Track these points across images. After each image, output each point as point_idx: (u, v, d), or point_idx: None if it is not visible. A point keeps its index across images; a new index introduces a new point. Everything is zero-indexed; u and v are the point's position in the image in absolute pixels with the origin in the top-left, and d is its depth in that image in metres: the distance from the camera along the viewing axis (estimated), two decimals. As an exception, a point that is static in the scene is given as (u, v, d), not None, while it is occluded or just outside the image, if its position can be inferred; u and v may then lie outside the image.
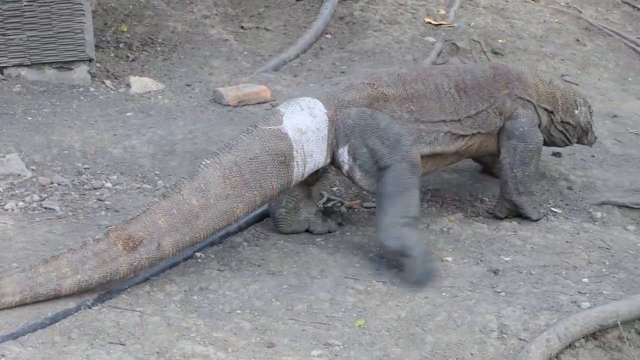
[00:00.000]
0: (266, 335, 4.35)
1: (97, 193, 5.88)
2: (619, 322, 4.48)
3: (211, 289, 4.78)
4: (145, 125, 6.93)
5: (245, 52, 9.09)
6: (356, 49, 9.31)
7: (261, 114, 7.22)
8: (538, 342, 4.21)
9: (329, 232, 5.52)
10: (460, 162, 6.24)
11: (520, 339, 4.35)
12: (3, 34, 7.69)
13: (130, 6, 9.44)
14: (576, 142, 6.44)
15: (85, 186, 5.96)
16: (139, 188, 6.00)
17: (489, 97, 5.72)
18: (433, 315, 4.57)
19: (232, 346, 4.22)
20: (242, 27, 9.69)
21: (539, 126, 5.93)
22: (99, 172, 6.17)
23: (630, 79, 9.39)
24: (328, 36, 9.65)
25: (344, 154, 5.18)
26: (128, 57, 8.68)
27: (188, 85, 8.10)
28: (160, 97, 7.74)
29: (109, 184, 6.01)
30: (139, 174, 6.19)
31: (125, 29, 9.08)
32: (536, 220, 5.84)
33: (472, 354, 4.26)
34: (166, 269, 4.89)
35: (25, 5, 7.69)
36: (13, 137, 6.55)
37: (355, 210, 5.94)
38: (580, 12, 10.89)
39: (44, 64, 7.85)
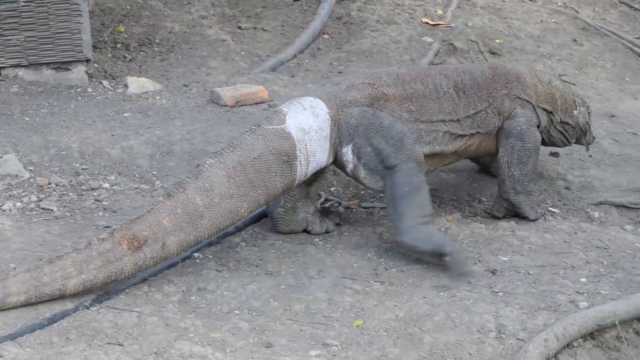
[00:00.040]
0: (264, 336, 4.35)
1: (95, 193, 5.88)
2: (617, 322, 4.48)
3: (209, 289, 4.77)
4: (143, 126, 6.93)
5: (243, 53, 9.09)
6: (353, 49, 9.32)
7: (259, 114, 7.23)
8: (536, 342, 4.21)
9: (327, 232, 5.52)
10: (458, 162, 6.25)
11: (518, 338, 4.35)
12: (0, 35, 7.69)
13: (128, 6, 9.44)
14: (574, 143, 6.45)
15: (83, 187, 5.96)
16: (136, 188, 6.00)
17: (487, 97, 5.73)
18: (431, 315, 4.57)
19: (230, 346, 4.22)
20: (239, 28, 9.69)
21: (538, 126, 5.94)
22: (96, 172, 6.17)
23: (627, 78, 9.40)
24: (325, 36, 9.65)
25: (347, 153, 5.20)
26: (125, 57, 8.67)
27: (185, 86, 8.10)
28: (157, 97, 7.74)
29: (106, 185, 6.00)
30: (137, 175, 6.19)
31: (122, 30, 9.08)
32: (534, 220, 5.84)
33: (470, 354, 4.26)
34: (164, 270, 4.89)
35: (23, 6, 7.69)
36: (11, 137, 6.55)
37: (353, 210, 5.94)
38: (577, 12, 10.91)
39: (42, 64, 7.84)
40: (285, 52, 9.13)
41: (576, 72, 9.36)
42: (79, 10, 7.82)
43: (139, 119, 7.12)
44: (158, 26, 9.25)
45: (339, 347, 4.29)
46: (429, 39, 9.56)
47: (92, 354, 4.05)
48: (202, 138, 6.69)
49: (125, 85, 7.91)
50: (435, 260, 5.09)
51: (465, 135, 5.66)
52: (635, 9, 11.25)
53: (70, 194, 5.84)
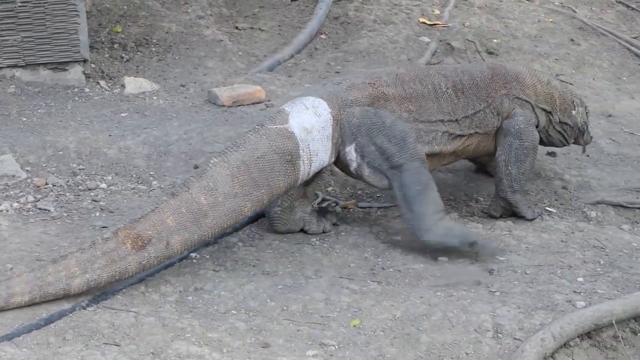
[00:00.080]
0: (261, 336, 4.35)
1: (92, 194, 5.88)
2: (613, 321, 4.48)
3: (206, 289, 4.77)
4: (140, 126, 6.93)
5: (240, 53, 9.09)
6: (351, 49, 9.32)
7: (256, 114, 7.24)
8: (533, 342, 4.21)
9: (324, 232, 5.52)
10: (456, 162, 6.24)
11: (515, 338, 4.35)
12: (-3, 35, 7.70)
13: (125, 7, 9.43)
14: (572, 143, 6.45)
15: (80, 187, 5.95)
16: (133, 189, 6.00)
17: (486, 97, 5.73)
18: (428, 315, 4.57)
19: (227, 346, 4.22)
20: (236, 28, 9.69)
21: (537, 126, 5.94)
22: (93, 172, 6.17)
23: (624, 78, 9.40)
24: (323, 36, 9.65)
25: (351, 152, 5.23)
26: (122, 57, 8.67)
27: (183, 86, 8.10)
28: (155, 97, 7.74)
29: (103, 185, 6.00)
30: (134, 175, 6.19)
31: (119, 30, 9.08)
32: (531, 220, 5.84)
33: (467, 353, 4.26)
34: (161, 270, 4.89)
35: (20, 6, 7.68)
36: (8, 138, 6.55)
37: (350, 210, 5.94)
38: (574, 11, 10.91)
39: (39, 64, 7.84)
40: (282, 52, 9.13)
41: (573, 71, 9.36)
42: (76, 11, 7.82)
43: (136, 119, 7.12)
44: (155, 26, 9.25)
45: (336, 347, 4.28)
46: (426, 39, 9.56)
47: (89, 354, 4.04)
48: (199, 138, 6.69)
49: (123, 86, 7.91)
50: (465, 250, 5.18)
51: (464, 136, 5.66)
52: (633, 8, 11.25)
53: (67, 194, 5.84)
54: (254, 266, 5.06)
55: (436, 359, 4.22)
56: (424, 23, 9.96)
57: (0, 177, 5.94)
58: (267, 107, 7.44)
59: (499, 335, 4.39)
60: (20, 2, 7.67)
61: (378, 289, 4.86)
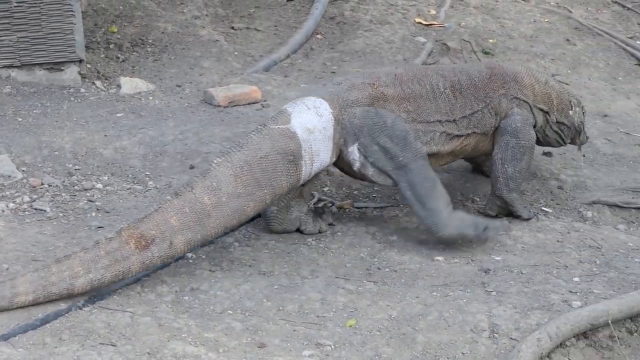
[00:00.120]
0: (257, 336, 4.35)
1: (88, 194, 5.87)
2: (609, 321, 4.48)
3: (202, 289, 4.77)
4: (136, 126, 6.92)
5: (236, 53, 9.08)
6: (347, 49, 9.32)
7: (252, 114, 7.23)
8: (529, 342, 4.21)
9: (320, 232, 5.52)
10: (453, 162, 6.24)
11: (511, 338, 4.35)
12: (-7, 35, 7.68)
13: (121, 7, 9.42)
14: (569, 143, 6.46)
15: (76, 187, 5.95)
16: (129, 189, 6.00)
17: (484, 98, 5.74)
18: (424, 314, 4.57)
19: (223, 346, 4.22)
20: (232, 28, 9.69)
21: (535, 126, 5.95)
22: (89, 173, 6.16)
23: (620, 78, 9.41)
24: (319, 36, 9.65)
25: (354, 152, 5.25)
26: (118, 57, 8.66)
27: (178, 86, 8.09)
28: (150, 97, 7.73)
29: (99, 185, 6.00)
30: (130, 175, 6.18)
31: (115, 30, 9.07)
32: (527, 219, 5.85)
33: (463, 353, 4.26)
34: (157, 270, 4.89)
35: (15, 6, 7.66)
36: (3, 138, 6.54)
37: (346, 210, 5.94)
38: (570, 11, 10.92)
39: (34, 64, 7.83)
40: (278, 52, 9.13)
41: (569, 71, 9.37)
42: (71, 11, 7.81)
43: (131, 120, 7.11)
44: (151, 26, 9.24)
45: (332, 347, 4.28)
46: (422, 39, 9.56)
47: (84, 354, 4.04)
48: (195, 138, 6.68)
49: (118, 86, 7.90)
50: (481, 237, 5.38)
51: (462, 136, 5.67)
52: (628, 8, 11.27)
53: (63, 194, 5.84)
54: (250, 266, 5.06)
55: (432, 359, 4.22)
56: (420, 23, 9.96)
57: (-4, 177, 5.94)
58: (263, 107, 7.44)
59: (495, 335, 4.39)
60: (16, 2, 7.65)
61: (374, 289, 4.86)
